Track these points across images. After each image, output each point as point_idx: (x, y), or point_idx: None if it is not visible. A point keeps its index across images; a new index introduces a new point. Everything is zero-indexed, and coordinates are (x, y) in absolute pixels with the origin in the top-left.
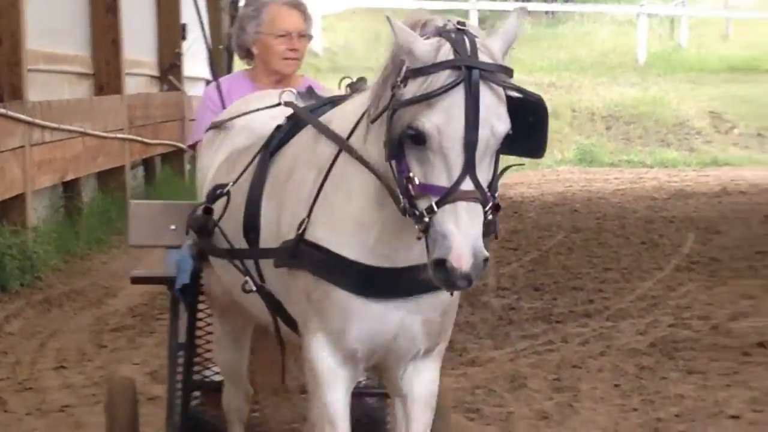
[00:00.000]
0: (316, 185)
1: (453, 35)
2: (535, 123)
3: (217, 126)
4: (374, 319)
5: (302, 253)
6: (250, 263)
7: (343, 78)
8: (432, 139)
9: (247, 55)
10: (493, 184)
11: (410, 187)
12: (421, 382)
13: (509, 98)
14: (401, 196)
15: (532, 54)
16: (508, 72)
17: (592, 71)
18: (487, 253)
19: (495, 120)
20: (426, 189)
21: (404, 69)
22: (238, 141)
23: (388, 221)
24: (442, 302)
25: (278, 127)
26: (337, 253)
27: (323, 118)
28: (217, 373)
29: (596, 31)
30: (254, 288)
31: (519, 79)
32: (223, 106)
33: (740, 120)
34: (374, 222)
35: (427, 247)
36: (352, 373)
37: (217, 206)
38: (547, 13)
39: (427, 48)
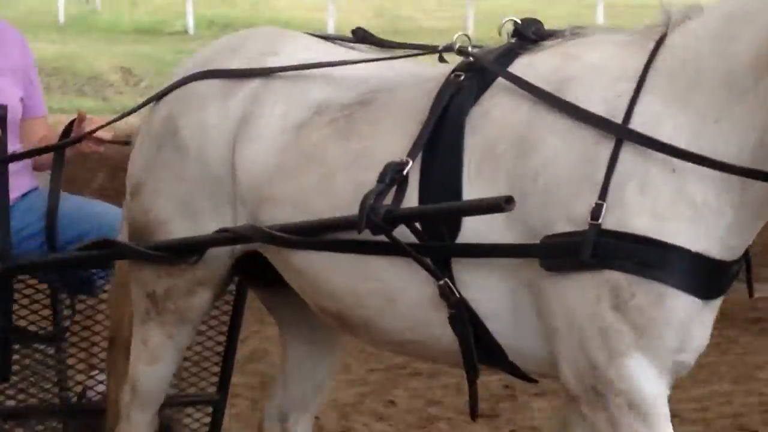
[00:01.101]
0: (600, 160)
1: None
2: None
3: (234, 74)
4: (706, 326)
5: (609, 248)
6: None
7: (507, 21)
8: None
9: None
10: None
11: None
12: None
13: None
14: None
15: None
16: None
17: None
18: None
19: None
20: None
21: None
22: (323, 93)
23: (748, 206)
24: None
25: (454, 81)
26: (685, 248)
27: (549, 77)
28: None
29: None
30: (457, 294)
31: None
32: None
33: (146, 74)
34: (727, 206)
35: None
36: None
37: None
38: None
39: None
